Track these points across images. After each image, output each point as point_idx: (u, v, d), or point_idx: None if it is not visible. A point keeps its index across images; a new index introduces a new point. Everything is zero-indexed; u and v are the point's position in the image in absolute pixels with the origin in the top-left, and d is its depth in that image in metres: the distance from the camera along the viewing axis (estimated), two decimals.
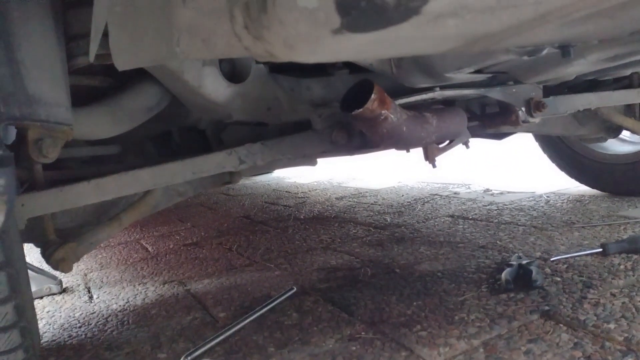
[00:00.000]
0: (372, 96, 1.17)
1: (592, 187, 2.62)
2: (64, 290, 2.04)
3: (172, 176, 1.25)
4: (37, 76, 0.90)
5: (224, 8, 0.79)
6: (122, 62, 1.03)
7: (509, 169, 3.82)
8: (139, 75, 1.33)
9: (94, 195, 1.18)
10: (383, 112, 1.21)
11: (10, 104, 0.80)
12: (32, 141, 1.05)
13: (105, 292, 1.96)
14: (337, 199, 3.52)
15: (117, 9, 1.01)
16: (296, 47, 0.58)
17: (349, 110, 1.21)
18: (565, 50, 0.92)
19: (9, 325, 0.98)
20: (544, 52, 0.94)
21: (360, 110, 1.18)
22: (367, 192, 3.67)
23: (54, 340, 1.52)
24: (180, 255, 2.41)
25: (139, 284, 2.00)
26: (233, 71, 1.36)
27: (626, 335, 1.08)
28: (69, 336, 1.54)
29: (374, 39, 0.56)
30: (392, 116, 1.23)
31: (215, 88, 1.29)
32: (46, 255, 1.21)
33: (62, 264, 1.20)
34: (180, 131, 1.68)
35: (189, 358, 1.24)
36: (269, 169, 1.72)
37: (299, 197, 3.83)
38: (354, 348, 1.20)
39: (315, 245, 2.24)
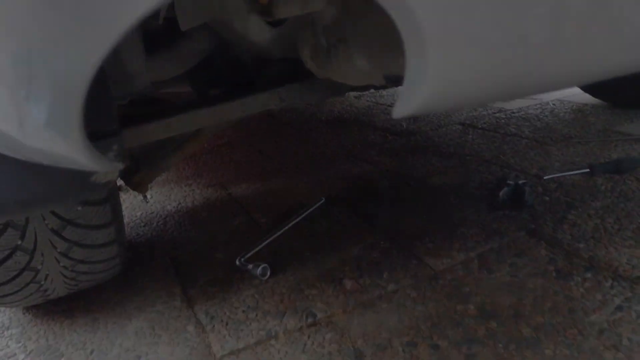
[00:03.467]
0: None
1: (595, 97, 2.80)
2: (119, 188, 2.35)
3: (227, 114, 1.48)
4: (129, 55, 1.11)
5: None
6: (186, 23, 1.24)
7: None
8: None
9: (164, 133, 1.42)
10: None
11: (117, 86, 1.03)
12: None
13: (156, 192, 2.27)
14: (355, 97, 3.72)
15: None
16: (348, 79, 0.81)
17: None
18: None
19: (111, 240, 1.29)
20: None
21: None
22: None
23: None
24: (215, 156, 2.69)
25: (185, 185, 2.30)
26: None
27: (591, 254, 1.36)
28: (137, 234, 1.86)
29: None
30: None
31: (259, 33, 1.48)
32: (125, 179, 1.49)
33: (139, 187, 1.48)
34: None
35: (242, 259, 1.56)
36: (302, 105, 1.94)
37: None
38: (375, 255, 1.50)
39: (337, 152, 2.50)
